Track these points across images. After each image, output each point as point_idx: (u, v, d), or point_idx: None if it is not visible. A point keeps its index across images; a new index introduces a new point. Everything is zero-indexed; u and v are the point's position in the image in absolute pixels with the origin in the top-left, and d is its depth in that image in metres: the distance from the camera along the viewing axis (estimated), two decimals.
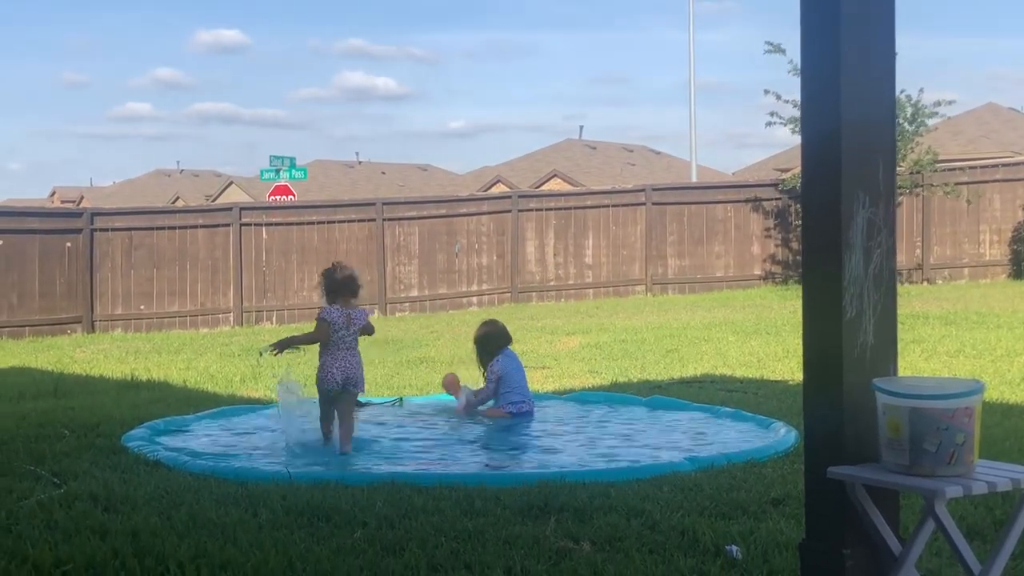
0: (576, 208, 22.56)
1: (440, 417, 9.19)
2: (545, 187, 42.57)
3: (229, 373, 12.37)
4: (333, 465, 7.24)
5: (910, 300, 17.19)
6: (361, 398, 9.22)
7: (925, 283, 21.83)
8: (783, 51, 20.47)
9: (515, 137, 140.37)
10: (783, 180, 23.04)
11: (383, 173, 62.24)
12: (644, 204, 22.60)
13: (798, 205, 21.42)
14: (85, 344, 17.20)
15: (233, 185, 56.66)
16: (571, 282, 22.39)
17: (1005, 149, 31.95)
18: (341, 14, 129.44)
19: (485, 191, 41.03)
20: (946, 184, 21.41)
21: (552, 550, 4.81)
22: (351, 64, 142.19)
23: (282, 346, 8.00)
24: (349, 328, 7.85)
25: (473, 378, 10.08)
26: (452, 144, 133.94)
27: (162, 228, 20.30)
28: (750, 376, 10.87)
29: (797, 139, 21.17)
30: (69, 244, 19.32)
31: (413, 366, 12.68)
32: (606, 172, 48.19)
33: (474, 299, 21.85)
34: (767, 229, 22.76)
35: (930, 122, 21.31)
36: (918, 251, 22.17)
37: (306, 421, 8.06)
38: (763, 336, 14.08)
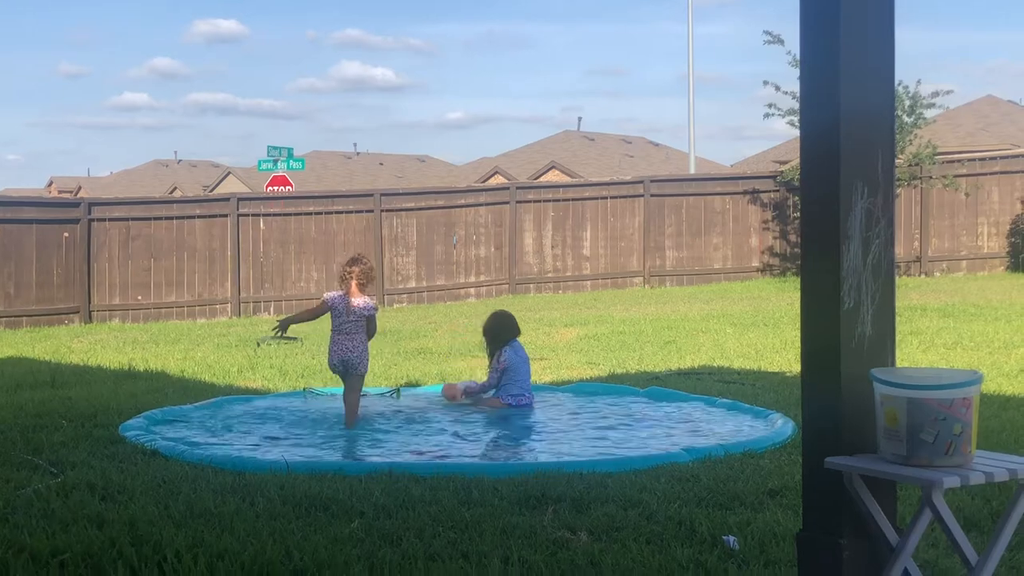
0: (574, 200, 22.54)
1: (437, 408, 9.20)
2: (543, 179, 42.53)
3: (227, 363, 12.37)
4: (337, 442, 7.81)
5: (908, 292, 17.20)
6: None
7: (923, 275, 21.84)
8: (782, 42, 20.48)
9: (513, 129, 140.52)
10: (781, 172, 23.02)
11: (381, 164, 62.21)
12: (642, 196, 22.59)
13: (796, 198, 21.44)
14: (82, 334, 17.18)
15: (231, 176, 56.64)
16: (569, 274, 22.38)
17: (1004, 142, 31.92)
18: (338, 4, 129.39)
19: (483, 182, 40.98)
20: (944, 176, 21.41)
21: (549, 540, 4.81)
22: (348, 55, 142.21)
23: (284, 325, 8.74)
24: (348, 315, 8.37)
25: (470, 371, 10.10)
26: (450, 135, 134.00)
27: (160, 218, 20.26)
28: (748, 367, 10.87)
29: (795, 132, 21.17)
30: (67, 234, 19.29)
31: (411, 357, 12.68)
32: (604, 164, 48.15)
33: (472, 291, 21.85)
34: (765, 221, 22.76)
35: (928, 114, 21.28)
36: (916, 243, 22.17)
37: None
38: (761, 328, 14.09)
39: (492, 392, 9.21)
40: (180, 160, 72.29)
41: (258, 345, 14.27)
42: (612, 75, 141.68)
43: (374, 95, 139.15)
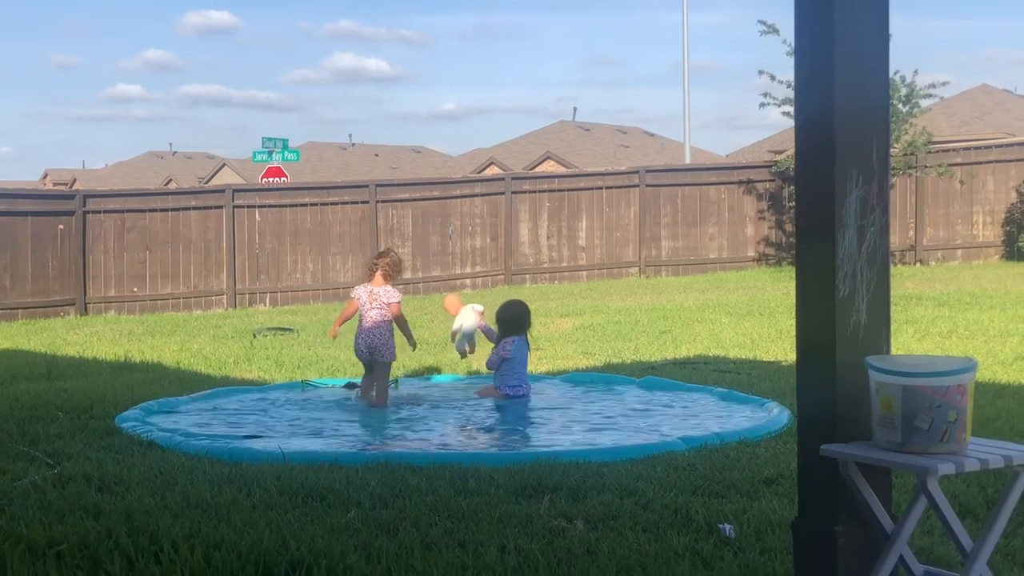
0: (570, 190, 22.54)
1: (434, 397, 9.22)
2: (539, 169, 42.47)
3: (222, 355, 12.37)
4: (372, 420, 8.28)
5: (903, 281, 17.21)
6: (352, 380, 9.46)
7: (918, 264, 21.86)
8: (777, 31, 20.48)
9: (508, 119, 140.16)
10: (777, 162, 23.03)
11: (376, 155, 62.09)
12: (638, 186, 22.59)
13: (791, 187, 21.44)
14: (78, 326, 17.17)
15: (226, 167, 56.47)
16: (564, 264, 22.39)
17: (999, 130, 31.94)
18: None
19: (479, 173, 40.97)
20: (940, 165, 21.42)
21: (546, 529, 4.82)
22: (342, 46, 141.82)
23: (341, 323, 9.42)
24: (371, 303, 8.91)
25: (466, 362, 10.11)
26: (444, 126, 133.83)
27: (155, 210, 20.24)
28: (743, 357, 10.89)
29: (791, 121, 21.13)
30: (62, 226, 19.26)
31: (407, 347, 12.65)
32: (600, 154, 48.09)
33: (468, 281, 21.84)
34: (760, 211, 22.77)
35: (924, 103, 21.29)
36: (911, 232, 22.19)
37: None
38: (756, 317, 14.10)
39: (491, 381, 9.28)
40: (175, 152, 72.10)
41: (254, 336, 14.27)
42: (607, 65, 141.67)
43: (368, 86, 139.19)
